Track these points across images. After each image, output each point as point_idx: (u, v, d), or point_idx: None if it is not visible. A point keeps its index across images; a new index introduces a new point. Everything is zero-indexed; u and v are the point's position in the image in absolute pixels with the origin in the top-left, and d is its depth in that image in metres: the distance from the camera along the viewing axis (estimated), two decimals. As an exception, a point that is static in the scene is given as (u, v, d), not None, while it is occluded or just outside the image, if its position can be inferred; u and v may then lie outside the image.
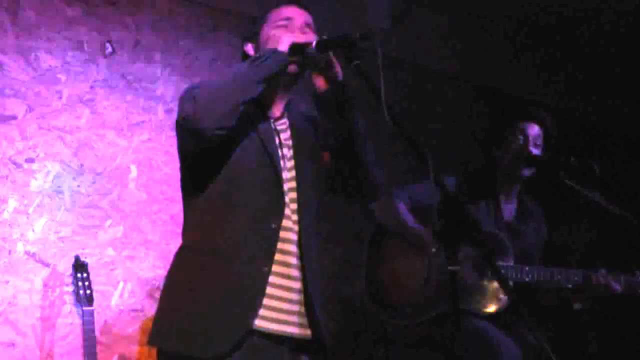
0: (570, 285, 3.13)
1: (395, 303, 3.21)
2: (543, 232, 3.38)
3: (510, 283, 3.07)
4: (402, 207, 3.22)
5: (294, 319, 2.17)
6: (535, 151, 3.21)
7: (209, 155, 2.14)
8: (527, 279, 3.10)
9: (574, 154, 3.18)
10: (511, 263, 3.11)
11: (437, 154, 2.00)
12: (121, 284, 3.41)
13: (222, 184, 2.15)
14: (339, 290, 4.03)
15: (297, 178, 2.23)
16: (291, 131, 2.32)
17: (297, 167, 2.25)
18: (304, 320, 2.20)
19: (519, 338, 3.07)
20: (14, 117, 3.26)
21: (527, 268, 3.11)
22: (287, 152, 2.26)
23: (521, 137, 3.22)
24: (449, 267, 2.08)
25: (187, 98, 2.10)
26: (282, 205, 2.16)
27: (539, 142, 3.23)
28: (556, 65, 4.99)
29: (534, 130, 3.23)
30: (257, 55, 2.15)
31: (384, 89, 1.92)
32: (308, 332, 2.21)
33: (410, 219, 3.19)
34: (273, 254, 2.13)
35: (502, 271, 3.01)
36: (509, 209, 3.30)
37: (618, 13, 4.46)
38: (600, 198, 3.24)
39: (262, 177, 2.17)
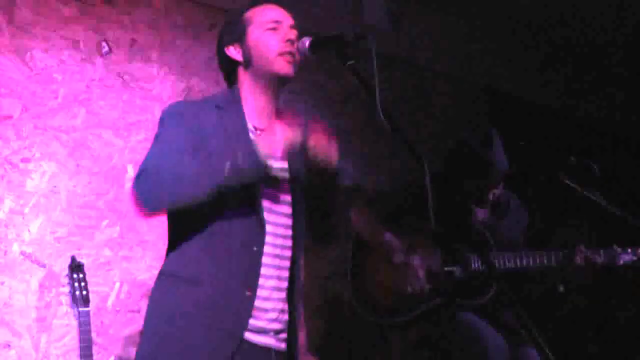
0: (553, 265, 3.21)
1: (383, 303, 3.24)
2: (523, 221, 3.43)
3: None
4: (376, 217, 3.27)
5: (274, 328, 2.18)
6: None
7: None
8: (510, 265, 3.18)
9: (574, 154, 3.18)
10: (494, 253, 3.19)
11: (435, 154, 1.99)
12: (117, 285, 3.39)
13: (203, 214, 2.12)
14: (330, 291, 4.02)
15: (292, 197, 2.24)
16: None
17: (293, 184, 2.24)
18: (282, 335, 2.21)
19: (504, 326, 3.12)
20: (10, 117, 3.24)
21: (509, 254, 3.19)
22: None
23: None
24: (446, 268, 2.09)
25: (144, 179, 2.05)
26: (263, 232, 2.14)
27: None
28: (556, 65, 4.97)
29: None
30: (236, 165, 1.99)
31: (379, 89, 1.92)
32: (282, 345, 2.22)
33: (383, 230, 3.24)
34: (257, 279, 2.13)
35: (488, 261, 3.09)
36: (482, 210, 3.35)
37: (619, 12, 4.45)
38: (600, 198, 3.26)
39: (242, 214, 2.13)
